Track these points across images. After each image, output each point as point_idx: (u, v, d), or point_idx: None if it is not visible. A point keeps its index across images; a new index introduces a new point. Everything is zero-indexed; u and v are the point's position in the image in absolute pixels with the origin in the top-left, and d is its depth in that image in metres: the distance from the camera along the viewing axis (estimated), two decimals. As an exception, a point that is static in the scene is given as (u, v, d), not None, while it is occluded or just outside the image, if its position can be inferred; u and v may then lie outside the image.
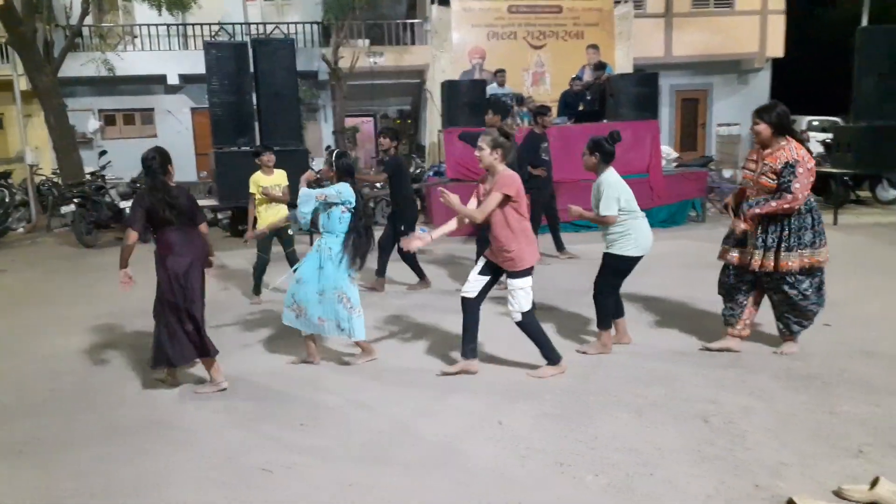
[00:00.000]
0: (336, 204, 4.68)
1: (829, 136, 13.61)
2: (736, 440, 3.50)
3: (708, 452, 3.38)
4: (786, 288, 4.48)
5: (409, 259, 6.92)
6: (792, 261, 4.39)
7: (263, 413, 4.10)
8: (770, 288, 4.60)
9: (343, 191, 4.69)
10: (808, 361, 4.54)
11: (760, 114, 4.40)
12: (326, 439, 3.72)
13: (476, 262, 7.34)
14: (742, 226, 4.45)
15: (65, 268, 9.14)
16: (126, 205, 10.62)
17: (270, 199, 6.49)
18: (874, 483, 2.88)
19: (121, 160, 13.68)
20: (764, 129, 4.37)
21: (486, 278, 4.48)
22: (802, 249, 4.40)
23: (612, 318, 4.94)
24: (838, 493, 2.92)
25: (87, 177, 12.39)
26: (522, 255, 4.28)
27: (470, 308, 4.49)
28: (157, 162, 4.37)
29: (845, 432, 3.53)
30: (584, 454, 3.42)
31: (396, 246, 6.62)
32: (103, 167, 12.28)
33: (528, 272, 4.34)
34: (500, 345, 4.98)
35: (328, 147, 16.00)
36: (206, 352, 4.39)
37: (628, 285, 5.09)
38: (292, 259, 6.61)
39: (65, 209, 10.69)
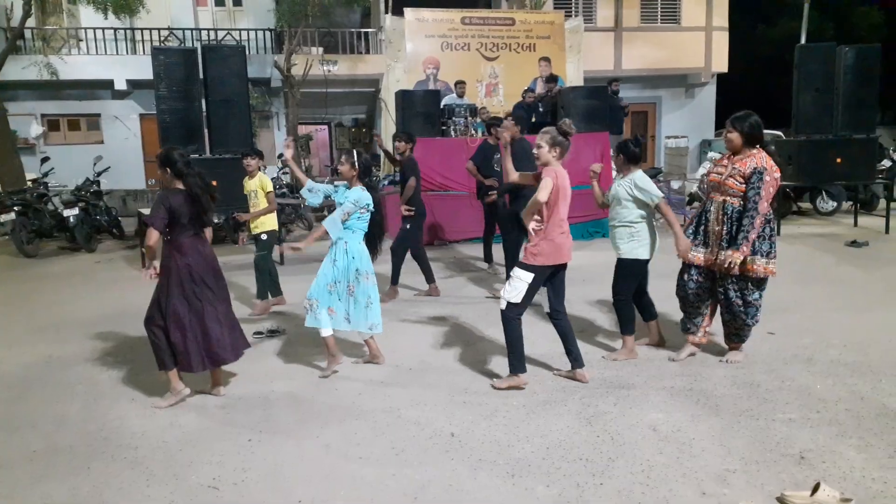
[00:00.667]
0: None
1: (772, 149, 14.08)
2: (683, 448, 3.57)
3: (656, 461, 3.44)
4: (737, 296, 4.59)
5: (423, 260, 7.02)
6: (757, 265, 4.49)
7: (211, 427, 4.00)
8: (722, 295, 4.69)
9: (360, 198, 4.73)
10: (752, 369, 4.67)
11: (734, 122, 4.52)
12: (276, 454, 3.65)
13: (488, 261, 7.66)
14: (738, 258, 4.43)
15: (3, 278, 8.79)
16: (70, 213, 10.29)
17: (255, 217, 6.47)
18: (815, 489, 2.96)
19: (65, 167, 13.27)
20: (736, 137, 4.50)
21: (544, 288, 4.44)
22: (763, 257, 4.51)
23: (646, 320, 5.13)
24: (781, 500, 3.00)
25: (29, 184, 11.98)
26: (541, 251, 4.27)
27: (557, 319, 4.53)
28: (184, 159, 4.30)
29: (788, 439, 3.63)
30: (536, 464, 3.44)
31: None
32: (46, 174, 11.88)
33: (535, 269, 4.28)
34: (455, 348, 4.97)
35: (280, 155, 15.82)
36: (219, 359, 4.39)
37: (580, 295, 5.16)
38: (260, 263, 6.49)
39: (4, 217, 10.28)
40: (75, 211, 10.31)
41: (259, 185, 6.50)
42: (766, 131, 16.55)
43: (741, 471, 3.31)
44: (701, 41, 19.01)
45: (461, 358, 5.08)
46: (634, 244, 4.83)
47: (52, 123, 17.42)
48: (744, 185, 4.45)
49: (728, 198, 4.54)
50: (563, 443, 3.67)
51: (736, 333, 4.77)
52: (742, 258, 4.43)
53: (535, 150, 4.40)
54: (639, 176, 4.85)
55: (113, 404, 4.39)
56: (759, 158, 4.45)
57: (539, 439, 3.72)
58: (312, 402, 4.36)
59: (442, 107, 11.21)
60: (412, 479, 3.34)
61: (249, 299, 6.92)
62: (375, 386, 4.59)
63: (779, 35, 23.44)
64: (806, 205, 12.93)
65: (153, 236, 4.18)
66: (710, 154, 13.42)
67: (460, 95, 12.22)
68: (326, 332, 4.76)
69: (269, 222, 6.57)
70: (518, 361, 4.41)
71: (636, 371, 4.71)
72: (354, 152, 4.88)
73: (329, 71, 16.08)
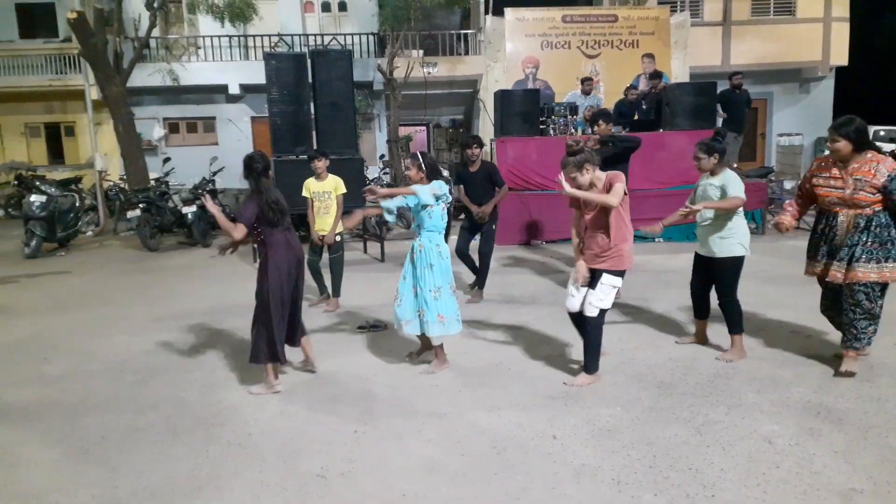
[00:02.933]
0: (438, 201, 4.72)
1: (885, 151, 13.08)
2: (803, 463, 3.37)
3: (773, 475, 3.26)
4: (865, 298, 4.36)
5: (468, 259, 6.97)
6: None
7: (319, 419, 4.14)
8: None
9: (442, 187, 4.69)
10: (879, 382, 4.35)
11: (838, 130, 4.28)
12: (380, 447, 3.73)
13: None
14: None
15: (129, 270, 9.45)
16: (189, 210, 10.95)
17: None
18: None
19: (183, 167, 14.16)
20: (844, 145, 4.27)
21: (586, 289, 4.48)
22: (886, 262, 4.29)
23: (698, 317, 5.16)
24: (916, 524, 2.78)
25: (152, 183, 12.83)
26: (628, 253, 4.37)
27: (577, 320, 4.60)
28: (260, 166, 4.53)
29: (921, 459, 3.36)
30: (643, 472, 3.35)
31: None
32: (167, 174, 12.70)
33: (623, 273, 4.40)
34: (545, 349, 4.92)
35: (382, 156, 16.18)
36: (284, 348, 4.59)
37: (685, 297, 4.98)
38: (334, 265, 6.72)
39: (131, 214, 11.07)
40: (193, 208, 10.96)
41: (333, 187, 6.67)
42: (890, 127, 15.64)
43: (869, 491, 3.09)
44: (818, 33, 17.88)
45: (556, 361, 5.01)
46: (731, 242, 4.78)
47: (172, 126, 18.58)
48: (878, 196, 4.20)
49: (859, 210, 4.29)
50: (670, 451, 3.55)
51: (856, 338, 4.45)
52: None
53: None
54: (732, 175, 4.86)
55: (227, 392, 4.62)
56: (884, 163, 4.18)
57: (645, 447, 3.61)
58: (413, 398, 4.43)
59: (542, 105, 11.07)
60: (514, 480, 3.32)
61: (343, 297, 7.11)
62: (475, 386, 4.61)
63: (906, 24, 21.76)
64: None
65: (240, 231, 4.44)
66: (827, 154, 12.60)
67: (586, 93, 12.04)
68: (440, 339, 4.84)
69: (340, 224, 6.69)
70: (596, 361, 4.53)
71: (748, 380, 4.49)
72: (419, 154, 4.84)
73: (429, 73, 16.29)
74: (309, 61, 9.41)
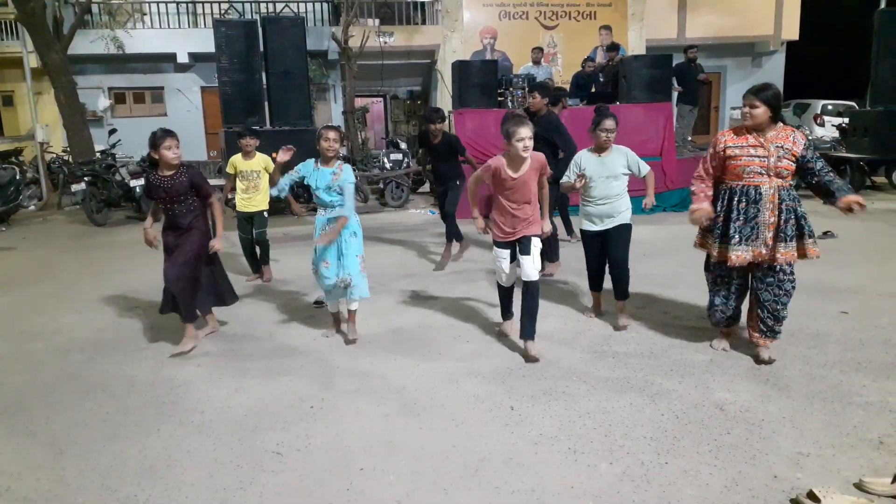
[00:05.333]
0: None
1: (845, 120, 13.43)
2: (753, 429, 3.45)
3: (724, 441, 3.34)
4: (791, 285, 4.22)
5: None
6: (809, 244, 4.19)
7: (275, 395, 4.08)
8: (775, 286, 4.24)
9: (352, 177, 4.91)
10: (826, 349, 4.48)
11: (758, 94, 4.03)
12: (337, 423, 3.69)
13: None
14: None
15: (75, 246, 9.14)
16: (136, 183, 10.61)
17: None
18: (896, 476, 2.81)
19: (131, 139, 13.67)
20: (763, 111, 4.02)
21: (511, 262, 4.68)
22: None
23: (598, 289, 5.37)
24: (860, 486, 2.87)
25: (98, 155, 12.38)
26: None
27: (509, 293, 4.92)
28: (149, 142, 4.64)
29: (865, 423, 3.47)
30: (598, 441, 3.39)
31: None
32: (113, 146, 12.27)
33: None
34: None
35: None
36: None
37: (645, 268, 5.03)
38: (261, 239, 6.72)
39: (75, 187, 10.69)
40: (141, 181, 10.63)
41: (263, 166, 6.60)
42: (838, 102, 16.00)
43: (815, 455, 3.18)
44: (771, 7, 18.16)
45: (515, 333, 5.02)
46: (629, 210, 5.07)
47: (118, 96, 17.92)
48: (794, 165, 4.07)
49: (781, 181, 4.10)
50: (625, 420, 3.60)
51: (772, 329, 4.31)
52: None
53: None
54: (629, 150, 5.10)
55: (179, 370, 4.51)
56: (795, 131, 4.12)
57: (601, 416, 3.66)
58: (371, 372, 4.39)
59: (500, 77, 11.01)
60: (473, 452, 3.33)
61: (295, 270, 7.02)
62: (433, 358, 4.59)
63: (855, 0, 22.20)
64: (881, 179, 12.29)
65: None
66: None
67: (535, 63, 12.00)
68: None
69: (266, 202, 6.73)
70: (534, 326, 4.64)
71: (700, 349, 4.58)
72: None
73: (385, 43, 16.01)
74: (260, 29, 9.16)
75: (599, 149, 5.04)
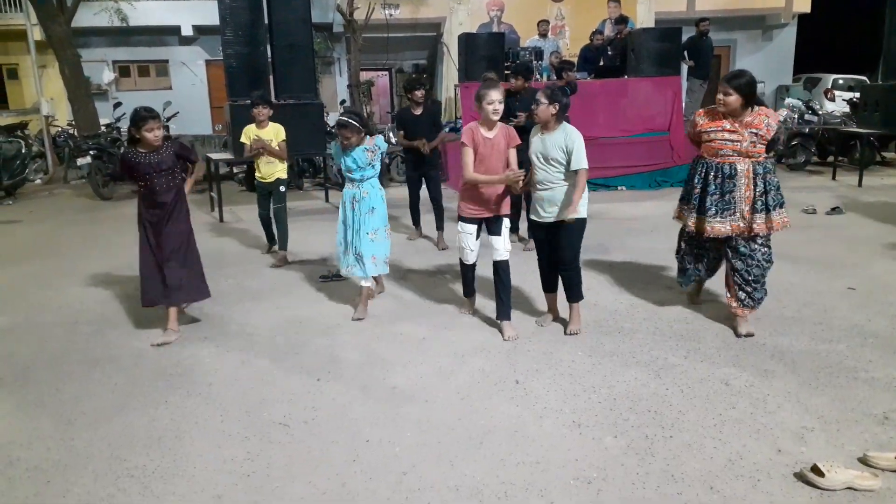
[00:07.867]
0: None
1: (856, 95, 13.24)
2: (757, 403, 3.46)
3: (729, 415, 3.35)
4: (768, 252, 4.35)
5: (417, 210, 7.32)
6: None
7: (281, 367, 4.11)
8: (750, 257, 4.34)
9: (381, 140, 4.94)
10: (831, 325, 4.47)
11: (730, 82, 4.10)
12: (343, 395, 3.72)
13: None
14: None
15: (81, 219, 9.16)
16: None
17: (269, 153, 6.39)
18: (900, 450, 2.82)
19: (135, 112, 13.61)
20: (736, 99, 4.10)
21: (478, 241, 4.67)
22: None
23: (553, 291, 4.72)
24: (864, 461, 2.88)
25: (103, 129, 12.34)
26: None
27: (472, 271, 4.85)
28: (131, 119, 4.51)
29: (870, 398, 3.47)
30: (603, 415, 3.40)
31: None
32: (118, 119, 12.22)
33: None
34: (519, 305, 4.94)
35: (343, 101, 15.80)
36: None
37: (646, 244, 5.00)
38: (279, 215, 6.54)
39: (81, 161, 10.67)
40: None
41: (274, 134, 6.46)
42: (849, 76, 15.71)
43: (820, 429, 3.19)
44: (782, -21, 17.85)
45: (518, 307, 5.03)
46: (583, 202, 4.33)
47: (123, 70, 17.84)
48: (764, 147, 4.20)
49: (755, 159, 4.22)
50: (630, 394, 3.61)
51: (750, 296, 4.35)
52: None
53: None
54: (576, 134, 4.31)
55: (186, 343, 4.54)
56: (771, 117, 4.17)
57: (606, 390, 3.67)
58: (376, 346, 4.41)
59: (507, 50, 10.88)
60: (478, 425, 3.35)
61: (303, 244, 7.02)
62: (439, 331, 4.61)
63: (869, -28, 21.81)
64: (891, 154, 12.17)
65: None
66: (788, 100, 12.72)
67: (542, 35, 11.85)
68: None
69: (285, 171, 6.58)
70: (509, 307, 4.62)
71: (705, 325, 4.58)
72: (347, 119, 4.71)
73: (391, 15, 15.83)
74: (265, 1, 9.03)
75: (544, 125, 4.38)
